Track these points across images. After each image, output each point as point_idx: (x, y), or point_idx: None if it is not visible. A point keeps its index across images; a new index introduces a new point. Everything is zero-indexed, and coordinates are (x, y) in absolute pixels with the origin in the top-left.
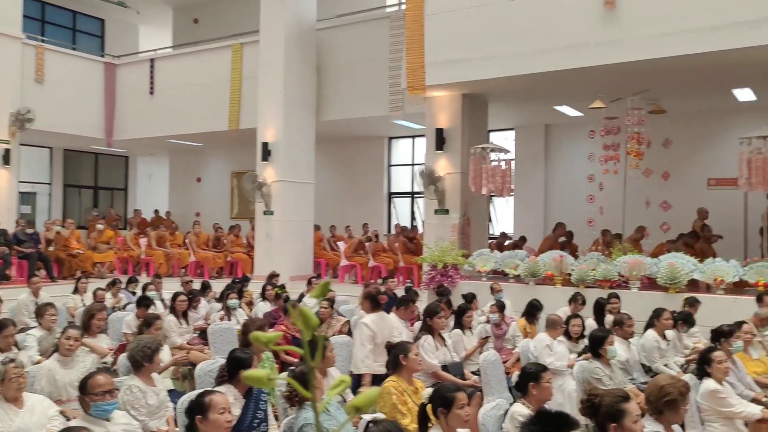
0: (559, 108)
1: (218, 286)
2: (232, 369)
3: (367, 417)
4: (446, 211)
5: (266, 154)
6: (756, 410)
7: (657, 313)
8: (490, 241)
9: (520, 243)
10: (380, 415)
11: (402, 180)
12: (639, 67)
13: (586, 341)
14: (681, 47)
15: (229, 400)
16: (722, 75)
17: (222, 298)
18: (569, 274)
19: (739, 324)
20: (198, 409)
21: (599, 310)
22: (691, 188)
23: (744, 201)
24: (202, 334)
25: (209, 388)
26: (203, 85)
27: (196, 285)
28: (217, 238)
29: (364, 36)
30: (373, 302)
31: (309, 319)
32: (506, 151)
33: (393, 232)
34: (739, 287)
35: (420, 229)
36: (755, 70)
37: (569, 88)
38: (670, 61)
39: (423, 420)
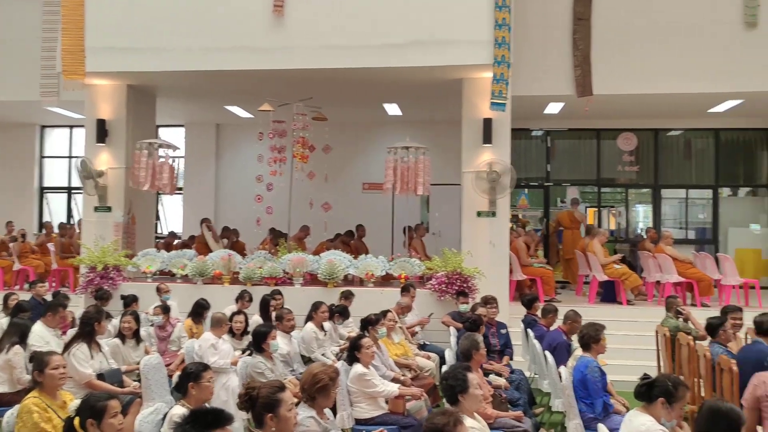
0: (230, 108)
1: None
2: None
3: None
4: (108, 209)
5: None
6: (394, 388)
7: (315, 307)
8: (157, 240)
9: (189, 242)
10: None
11: (57, 173)
12: (304, 75)
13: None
14: (340, 61)
15: None
16: (375, 90)
17: None
18: (237, 273)
19: (384, 313)
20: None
21: (264, 306)
22: (349, 191)
23: (392, 203)
24: None
25: None
26: None
27: None
28: None
29: (15, 10)
30: None
31: None
32: (175, 148)
33: (44, 231)
34: (386, 280)
35: (77, 228)
36: (401, 88)
37: (239, 89)
38: (331, 73)
39: None
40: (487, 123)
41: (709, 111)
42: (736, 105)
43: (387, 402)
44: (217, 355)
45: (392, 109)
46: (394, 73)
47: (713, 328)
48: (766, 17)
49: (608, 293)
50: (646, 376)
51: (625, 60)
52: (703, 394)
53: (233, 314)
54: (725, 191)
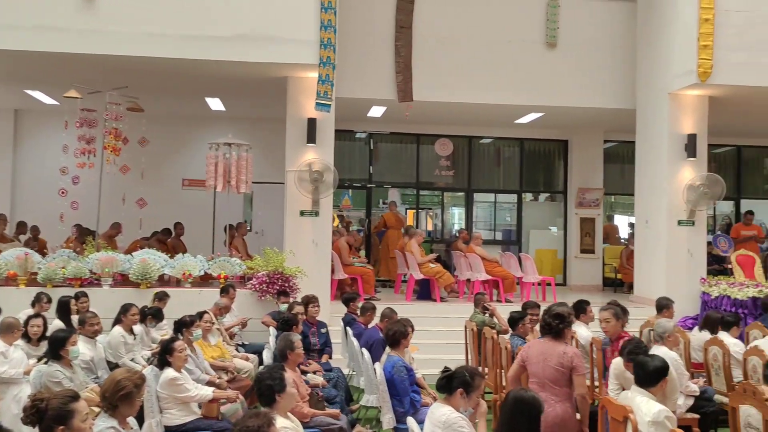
0: (31, 92)
1: None
2: None
3: None
4: None
5: None
6: (208, 392)
7: (124, 309)
8: None
9: None
10: None
11: None
12: (118, 62)
13: None
14: (158, 49)
15: None
16: (196, 83)
17: None
18: (35, 273)
19: (200, 314)
20: None
21: (64, 309)
22: (167, 187)
23: (213, 201)
24: None
25: None
26: None
27: None
28: None
29: None
30: None
31: None
32: None
33: None
34: (205, 280)
35: None
36: (224, 82)
37: (43, 72)
38: (148, 62)
39: None
40: (312, 123)
41: (516, 122)
42: (538, 117)
43: (200, 407)
44: (7, 365)
45: (215, 103)
46: (216, 67)
47: (514, 321)
48: (564, 39)
49: (424, 291)
50: (446, 369)
51: (443, 69)
52: (504, 383)
53: (29, 318)
54: (528, 196)
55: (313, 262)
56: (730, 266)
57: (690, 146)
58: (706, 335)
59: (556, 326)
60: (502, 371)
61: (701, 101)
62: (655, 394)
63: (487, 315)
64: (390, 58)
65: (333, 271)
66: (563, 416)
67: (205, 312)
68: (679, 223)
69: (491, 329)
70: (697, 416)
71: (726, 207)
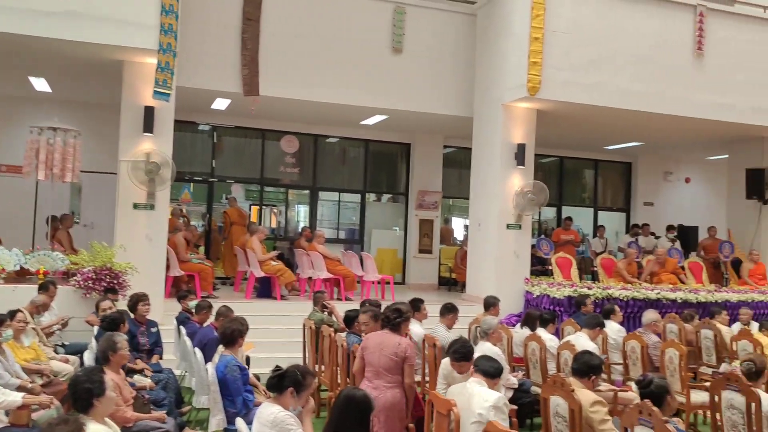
0: None
1: None
2: None
3: None
4: None
5: None
6: (17, 398)
7: None
8: None
9: None
10: None
11: None
12: None
13: None
14: None
15: None
16: (18, 60)
17: None
18: None
19: (12, 313)
20: None
21: None
22: None
23: (35, 189)
24: None
25: None
26: None
27: None
28: None
29: None
30: None
31: None
32: None
33: None
34: (21, 275)
35: None
36: (51, 61)
37: None
38: None
39: None
40: (149, 111)
41: (361, 123)
42: (382, 119)
43: (8, 414)
44: None
45: (40, 84)
46: (42, 44)
47: (350, 320)
48: (409, 45)
49: (264, 289)
50: (277, 368)
51: (291, 65)
52: (339, 380)
53: None
54: (371, 197)
55: (147, 257)
56: (550, 267)
57: (519, 155)
58: (527, 331)
59: (394, 320)
60: (338, 368)
61: (530, 114)
62: (491, 387)
63: (325, 313)
64: (236, 50)
65: (168, 268)
66: (392, 401)
67: (19, 311)
68: (508, 226)
69: (329, 327)
70: (515, 407)
71: (549, 213)
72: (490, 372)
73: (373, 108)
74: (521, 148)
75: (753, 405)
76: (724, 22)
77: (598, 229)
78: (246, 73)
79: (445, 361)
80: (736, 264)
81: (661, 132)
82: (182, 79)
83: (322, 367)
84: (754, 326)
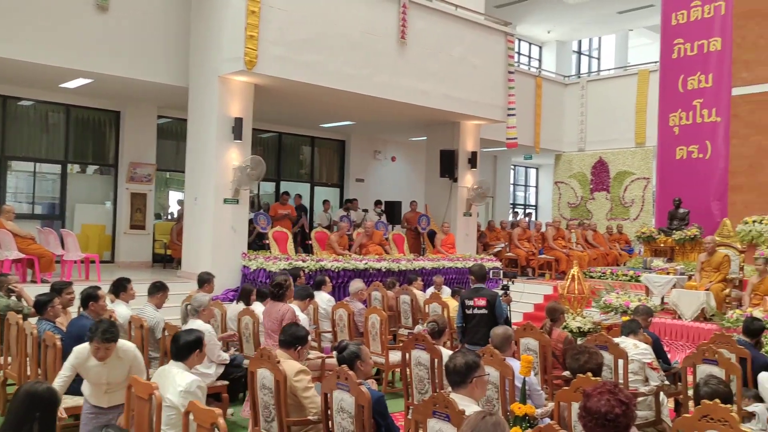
0: None
1: None
2: None
3: None
4: None
5: None
6: None
7: None
8: None
9: None
10: None
11: None
12: None
13: None
14: None
15: None
16: None
17: None
18: None
19: None
20: None
21: None
22: None
23: None
24: None
25: None
26: None
27: None
28: None
29: None
30: None
31: None
32: None
33: None
34: None
35: None
36: None
37: None
38: None
39: None
40: None
41: (61, 86)
42: (87, 83)
43: None
44: None
45: None
46: None
47: (41, 305)
48: (116, 3)
49: None
50: None
51: None
52: (29, 372)
53: None
54: (75, 168)
55: None
56: (268, 242)
57: (237, 129)
58: (242, 306)
59: (277, 292)
60: (28, 360)
61: (248, 88)
62: (190, 366)
63: (12, 298)
64: None
65: None
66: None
67: None
68: (225, 201)
69: (17, 314)
70: (226, 382)
71: (269, 188)
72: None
73: (74, 70)
74: (239, 122)
75: (436, 360)
76: (424, 14)
77: (324, 204)
78: None
79: None
80: (432, 235)
81: (370, 113)
82: None
83: (9, 359)
84: (447, 291)
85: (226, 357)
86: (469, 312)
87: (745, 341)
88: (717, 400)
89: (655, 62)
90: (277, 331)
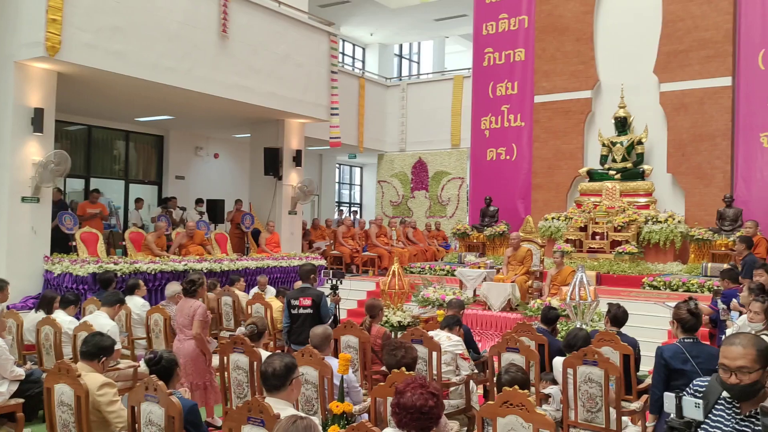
0: None
1: None
2: None
3: None
4: None
5: None
6: None
7: None
8: None
9: None
10: None
11: None
12: None
13: None
14: None
15: None
16: None
17: None
18: None
19: None
20: None
21: None
22: None
23: None
24: None
25: None
26: None
27: None
28: None
29: None
30: None
31: None
32: None
33: None
34: None
35: None
36: None
37: None
38: None
39: None
40: None
41: None
42: None
43: None
44: None
45: None
46: None
47: None
48: None
49: None
50: None
51: None
52: None
53: None
54: None
55: None
56: (74, 243)
57: (37, 121)
58: (42, 315)
59: (190, 288)
60: None
61: (50, 75)
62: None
63: None
64: None
65: None
66: (189, 349)
67: None
68: (23, 199)
69: None
70: (22, 400)
71: (77, 185)
72: None
73: None
74: (39, 113)
75: (255, 363)
76: (246, 9)
77: (137, 202)
78: None
79: None
80: (256, 234)
81: (191, 108)
82: None
83: None
84: (271, 291)
85: (20, 372)
86: (294, 312)
87: (543, 329)
88: (516, 387)
89: (469, 69)
90: (188, 326)
